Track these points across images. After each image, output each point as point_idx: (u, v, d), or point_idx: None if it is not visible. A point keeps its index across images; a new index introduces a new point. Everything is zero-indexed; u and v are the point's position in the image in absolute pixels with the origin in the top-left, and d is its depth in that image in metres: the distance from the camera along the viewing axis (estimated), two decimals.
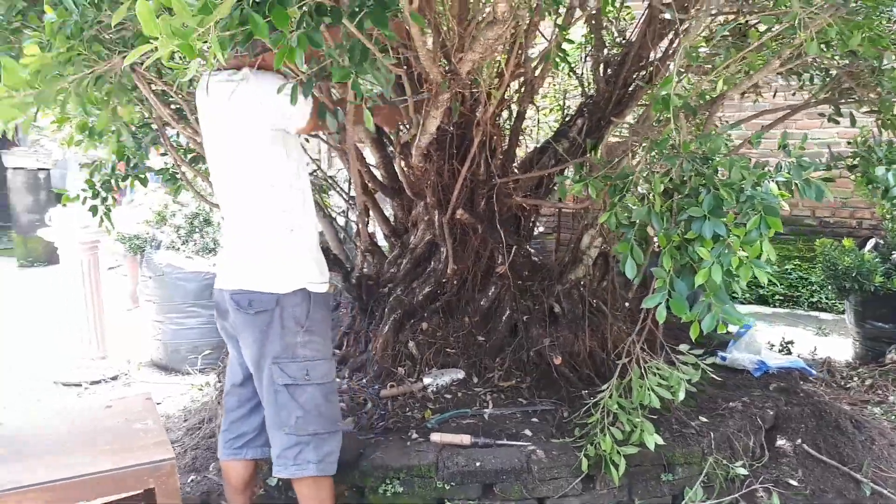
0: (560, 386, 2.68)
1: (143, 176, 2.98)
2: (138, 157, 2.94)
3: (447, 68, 2.16)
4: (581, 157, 2.94)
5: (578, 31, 3.51)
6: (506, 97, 3.02)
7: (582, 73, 3.51)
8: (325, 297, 2.17)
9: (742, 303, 6.25)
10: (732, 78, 2.16)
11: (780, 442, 2.51)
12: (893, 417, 3.51)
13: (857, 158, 2.19)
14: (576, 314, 2.85)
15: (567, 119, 3.46)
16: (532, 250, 3.29)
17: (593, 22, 3.27)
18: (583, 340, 2.78)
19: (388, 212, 3.45)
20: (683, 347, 2.15)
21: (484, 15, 2.14)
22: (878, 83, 2.24)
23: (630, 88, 3.19)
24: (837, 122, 2.71)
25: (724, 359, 3.11)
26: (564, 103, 3.91)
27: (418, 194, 3.02)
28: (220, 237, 2.27)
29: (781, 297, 6.22)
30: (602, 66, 3.30)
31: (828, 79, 2.76)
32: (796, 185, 1.88)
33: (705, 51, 2.19)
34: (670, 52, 2.97)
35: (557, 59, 2.65)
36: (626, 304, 3.05)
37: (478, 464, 2.20)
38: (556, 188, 3.20)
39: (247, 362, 2.16)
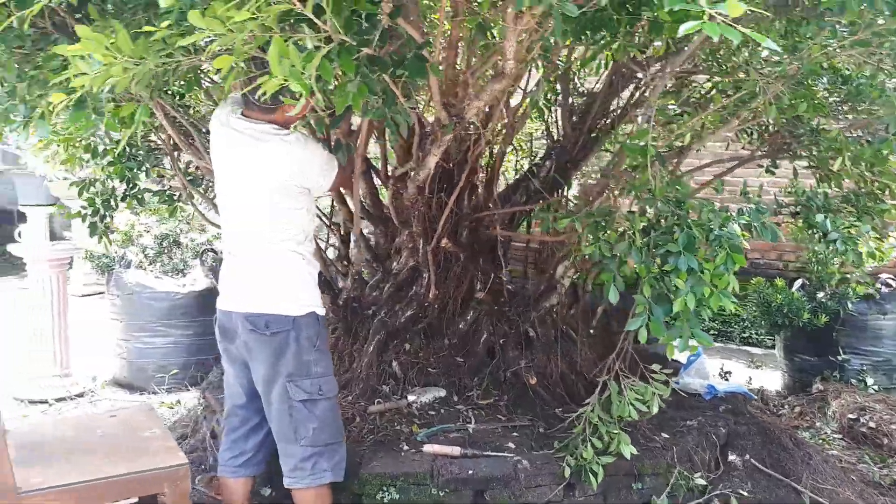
0: (535, 404, 2.92)
1: (140, 196, 3.09)
2: (138, 179, 3.06)
3: (453, 112, 2.40)
4: (551, 194, 3.25)
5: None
6: (491, 138, 3.31)
7: (550, 120, 3.83)
8: (324, 320, 2.36)
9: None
10: (698, 133, 2.49)
11: (732, 457, 2.80)
12: (821, 441, 3.90)
13: (800, 206, 2.55)
14: (549, 338, 3.11)
15: (537, 161, 3.78)
16: (505, 278, 3.55)
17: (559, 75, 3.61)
18: (555, 363, 3.03)
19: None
20: (655, 367, 2.42)
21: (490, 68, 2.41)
22: (816, 142, 2.61)
23: (594, 134, 3.53)
24: (773, 173, 3.10)
25: (677, 383, 3.41)
26: (532, 145, 4.24)
27: (405, 223, 3.23)
28: (224, 262, 2.42)
29: (716, 332, 6.68)
30: (569, 112, 3.64)
31: (766, 134, 3.15)
32: (754, 227, 2.19)
33: (674, 107, 2.50)
34: (632, 102, 3.32)
35: (541, 106, 2.93)
36: (591, 331, 3.32)
37: (470, 472, 2.40)
38: (529, 222, 3.51)
39: (256, 381, 2.30)
